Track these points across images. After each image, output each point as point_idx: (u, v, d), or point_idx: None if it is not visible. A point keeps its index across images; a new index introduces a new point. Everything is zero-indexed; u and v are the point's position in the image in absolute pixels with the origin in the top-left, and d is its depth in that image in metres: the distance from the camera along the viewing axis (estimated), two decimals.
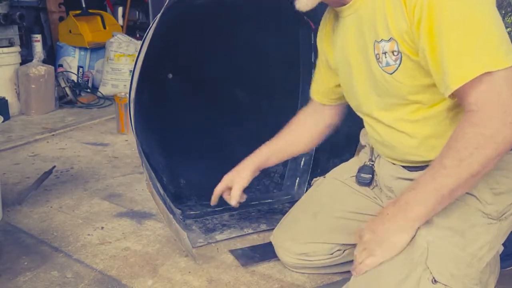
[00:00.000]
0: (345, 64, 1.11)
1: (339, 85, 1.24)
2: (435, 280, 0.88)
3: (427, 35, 0.84)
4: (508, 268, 1.28)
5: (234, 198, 1.30)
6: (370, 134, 1.15)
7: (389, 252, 0.94)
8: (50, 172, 1.94)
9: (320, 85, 1.30)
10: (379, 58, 0.96)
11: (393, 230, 0.93)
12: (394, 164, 1.11)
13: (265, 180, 1.91)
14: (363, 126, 1.29)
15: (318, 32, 1.25)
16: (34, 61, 3.00)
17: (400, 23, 0.88)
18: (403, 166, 1.08)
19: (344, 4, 1.03)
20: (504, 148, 0.81)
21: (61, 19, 3.89)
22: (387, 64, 0.94)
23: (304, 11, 1.01)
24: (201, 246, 1.40)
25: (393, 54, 0.92)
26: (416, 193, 0.90)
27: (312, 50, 1.74)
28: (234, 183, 1.30)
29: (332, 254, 1.22)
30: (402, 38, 0.89)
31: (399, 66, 0.92)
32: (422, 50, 0.86)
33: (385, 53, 0.93)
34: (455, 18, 0.81)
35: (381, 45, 0.94)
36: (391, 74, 0.94)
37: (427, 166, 0.91)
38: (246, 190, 1.85)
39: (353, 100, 1.15)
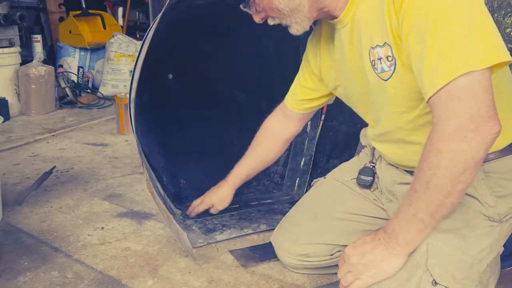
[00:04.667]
0: (347, 75, 1.10)
1: (322, 97, 1.27)
2: (435, 282, 0.88)
3: (406, 34, 0.83)
4: (508, 268, 1.28)
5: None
6: (372, 140, 1.15)
7: (377, 277, 0.92)
8: (50, 172, 1.94)
9: (302, 96, 1.30)
10: (374, 65, 0.95)
11: (384, 256, 0.92)
12: (397, 168, 1.11)
13: (265, 180, 1.91)
14: (363, 126, 1.29)
15: (309, 46, 1.25)
16: (34, 61, 3.00)
17: (394, 23, 0.86)
18: (406, 171, 1.08)
19: (336, 17, 1.02)
20: (468, 163, 0.77)
21: (61, 19, 3.89)
22: (382, 70, 0.93)
23: (298, 35, 1.04)
24: (201, 246, 1.40)
25: (388, 60, 0.91)
26: (398, 220, 0.90)
27: None
28: (217, 206, 1.49)
29: (332, 255, 1.22)
30: (395, 39, 0.88)
31: (393, 72, 0.91)
32: (407, 50, 0.85)
33: (380, 59, 0.92)
34: (424, 16, 0.79)
35: (376, 51, 0.93)
36: (386, 80, 0.93)
37: None
38: (246, 190, 1.86)
39: (359, 110, 1.16)
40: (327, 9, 1.00)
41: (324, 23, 1.14)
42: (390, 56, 0.90)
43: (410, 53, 0.84)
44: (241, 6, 1.06)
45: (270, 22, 1.05)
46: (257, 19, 1.05)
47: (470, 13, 0.77)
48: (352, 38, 1.01)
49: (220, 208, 1.49)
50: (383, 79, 0.94)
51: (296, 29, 1.03)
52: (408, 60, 0.86)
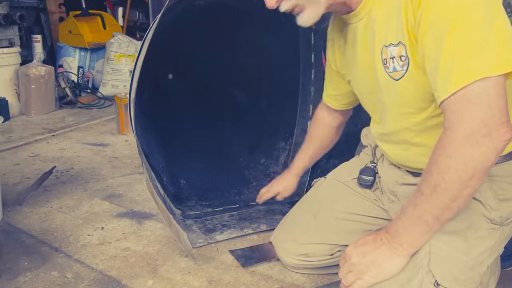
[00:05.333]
0: (356, 72, 1.09)
1: (348, 92, 1.25)
2: (437, 283, 0.88)
3: (423, 35, 0.82)
4: (508, 268, 1.28)
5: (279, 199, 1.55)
6: (376, 139, 1.15)
7: (379, 276, 0.92)
8: (50, 172, 1.94)
9: (331, 91, 1.31)
10: (386, 63, 0.94)
11: (386, 256, 0.91)
12: (399, 168, 1.11)
13: (265, 180, 1.91)
14: (363, 126, 1.29)
15: (328, 42, 1.24)
16: (34, 61, 3.00)
17: (411, 22, 0.85)
18: (409, 171, 1.08)
19: (352, 10, 1.00)
20: (478, 169, 0.77)
21: (61, 19, 3.89)
22: (394, 70, 0.92)
23: (306, 27, 0.99)
24: (201, 246, 1.40)
25: (401, 60, 0.90)
26: (402, 221, 0.89)
27: (312, 50, 1.74)
28: (282, 193, 1.52)
29: (332, 254, 1.21)
30: (410, 39, 0.86)
31: (406, 72, 0.90)
32: (422, 50, 0.84)
33: (393, 58, 0.91)
34: (441, 22, 0.78)
35: (389, 50, 0.92)
36: (398, 80, 0.92)
37: None
38: (246, 190, 1.85)
39: (367, 107, 1.15)
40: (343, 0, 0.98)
41: (338, 18, 1.12)
42: (403, 56, 0.89)
43: (425, 54, 0.83)
44: None
45: (284, 5, 0.97)
46: (270, 3, 0.98)
47: (489, 17, 0.77)
48: (366, 33, 0.99)
49: (286, 195, 1.52)
50: (394, 79, 0.93)
51: (307, 17, 0.97)
52: (422, 61, 0.85)
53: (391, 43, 0.91)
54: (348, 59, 1.11)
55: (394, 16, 0.89)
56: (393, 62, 0.92)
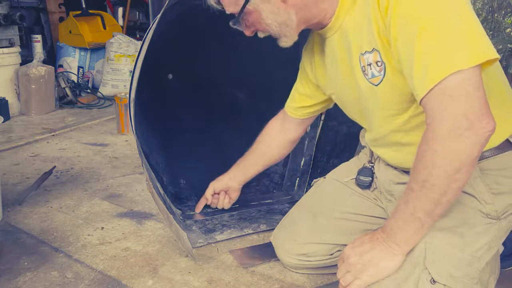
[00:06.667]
0: (338, 82, 1.11)
1: (320, 103, 1.28)
2: (433, 281, 0.89)
3: (395, 39, 0.84)
4: (508, 268, 1.28)
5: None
6: (370, 145, 1.16)
7: (376, 276, 0.93)
8: (50, 172, 1.94)
9: (299, 103, 1.31)
10: (365, 71, 0.96)
11: (383, 255, 0.92)
12: (395, 168, 1.11)
13: (265, 180, 1.91)
14: (361, 127, 1.29)
15: (304, 55, 1.26)
16: (34, 61, 3.00)
17: (381, 28, 0.87)
18: (404, 171, 1.08)
19: (325, 26, 1.03)
20: (464, 161, 0.78)
21: (61, 19, 3.89)
22: (373, 76, 0.94)
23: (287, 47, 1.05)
24: (201, 246, 1.40)
25: (377, 65, 0.92)
26: (396, 220, 0.90)
27: None
28: (231, 194, 1.57)
29: (332, 254, 1.22)
30: (383, 44, 0.88)
31: (383, 76, 0.92)
32: (397, 55, 0.86)
33: (370, 64, 0.93)
34: (410, 19, 0.80)
35: (366, 57, 0.94)
36: (377, 85, 0.94)
37: None
38: (246, 190, 1.86)
39: (354, 116, 1.17)
40: (316, 20, 1.01)
41: (315, 32, 1.15)
42: (379, 61, 0.91)
43: (399, 57, 0.85)
44: (230, 23, 1.07)
45: (260, 35, 1.06)
46: (248, 33, 1.07)
47: (457, 14, 0.78)
48: (342, 45, 1.02)
49: (232, 196, 1.58)
50: (374, 84, 0.95)
51: (285, 42, 1.03)
52: (399, 64, 0.86)
53: (366, 51, 0.93)
54: (330, 72, 1.13)
55: (365, 25, 0.91)
56: (370, 69, 0.94)
